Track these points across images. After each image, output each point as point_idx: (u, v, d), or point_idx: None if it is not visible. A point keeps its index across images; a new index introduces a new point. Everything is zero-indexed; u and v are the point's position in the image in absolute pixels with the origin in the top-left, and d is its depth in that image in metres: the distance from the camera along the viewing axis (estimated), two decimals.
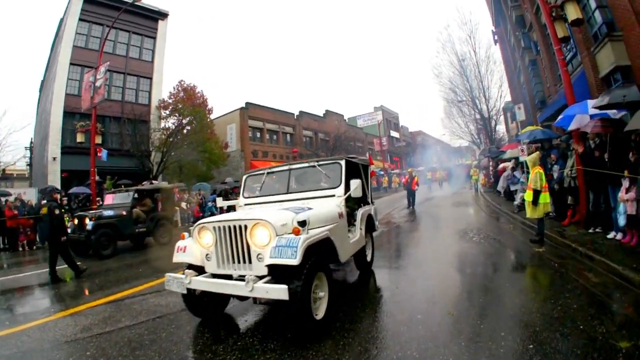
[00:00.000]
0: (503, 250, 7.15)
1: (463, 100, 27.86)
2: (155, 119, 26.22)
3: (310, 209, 4.37)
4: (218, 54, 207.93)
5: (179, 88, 29.25)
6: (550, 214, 8.65)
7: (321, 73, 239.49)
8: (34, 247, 14.17)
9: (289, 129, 38.55)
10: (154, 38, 29.21)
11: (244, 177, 6.19)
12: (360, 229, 5.54)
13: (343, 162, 5.21)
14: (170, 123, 26.77)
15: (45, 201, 9.42)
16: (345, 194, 4.93)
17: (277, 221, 3.70)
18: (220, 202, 6.71)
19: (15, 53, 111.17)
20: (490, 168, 19.69)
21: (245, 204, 5.66)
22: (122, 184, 20.93)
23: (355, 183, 4.71)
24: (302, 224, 3.64)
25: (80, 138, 18.64)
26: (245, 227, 3.74)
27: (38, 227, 14.31)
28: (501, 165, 15.28)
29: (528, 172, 10.79)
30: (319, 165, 5.34)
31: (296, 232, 3.55)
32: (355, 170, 5.88)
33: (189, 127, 27.12)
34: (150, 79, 28.46)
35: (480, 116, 25.91)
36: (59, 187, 19.29)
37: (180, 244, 4.26)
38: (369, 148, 53.30)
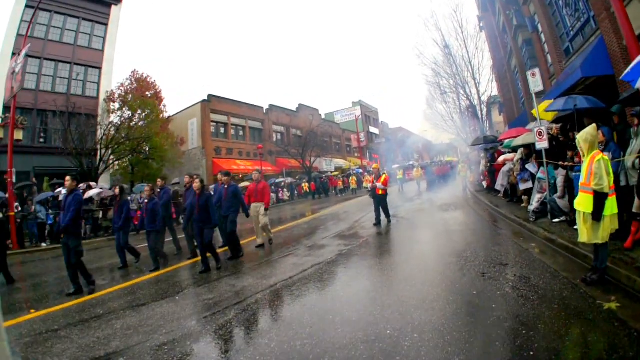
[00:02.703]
0: (541, 310, 3.62)
1: (447, 92, 24.94)
2: (104, 113, 23.15)
3: None
4: (181, 43, 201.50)
5: (132, 79, 25.79)
6: None
7: (295, 65, 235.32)
8: None
9: (256, 123, 35.15)
10: (106, 25, 26.62)
11: None
12: None
13: None
14: (118, 117, 23.33)
15: None
16: None
17: None
18: None
19: None
20: (483, 162, 16.66)
21: None
22: (56, 184, 18.49)
23: None
24: None
25: None
26: None
27: None
28: (501, 158, 12.12)
29: (542, 165, 7.98)
30: None
31: None
32: None
33: (142, 122, 23.78)
34: (100, 69, 25.79)
35: (469, 103, 22.74)
36: None
37: None
38: (347, 145, 50.29)
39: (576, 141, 4.42)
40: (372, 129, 57.90)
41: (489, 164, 14.69)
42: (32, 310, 5.35)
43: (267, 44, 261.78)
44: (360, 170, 38.41)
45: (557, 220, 7.26)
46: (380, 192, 10.50)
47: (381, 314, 3.81)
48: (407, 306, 3.94)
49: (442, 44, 22.33)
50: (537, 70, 8.28)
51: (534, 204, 8.10)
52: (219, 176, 8.51)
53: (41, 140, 22.24)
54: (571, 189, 6.83)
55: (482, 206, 12.52)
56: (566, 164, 6.90)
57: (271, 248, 8.69)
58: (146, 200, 8.19)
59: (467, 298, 4.03)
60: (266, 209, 8.93)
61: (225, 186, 8.33)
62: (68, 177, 6.43)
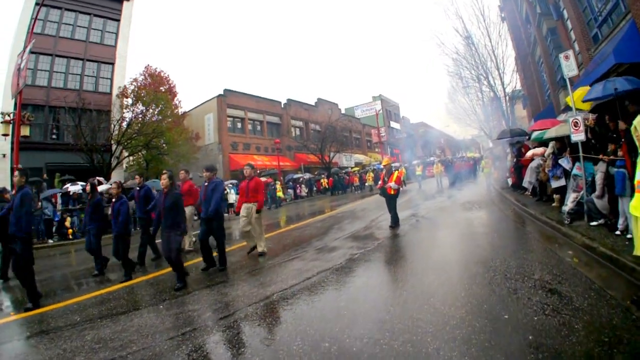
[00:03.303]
0: (588, 344, 2.82)
1: (469, 84, 23.73)
2: (117, 108, 23.14)
3: None
4: (197, 37, 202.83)
5: (145, 74, 25.70)
6: None
7: (314, 60, 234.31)
8: None
9: (274, 118, 34.65)
10: (118, 20, 26.72)
11: None
12: None
13: None
14: (131, 112, 23.22)
15: None
16: None
17: None
18: None
19: None
20: (509, 157, 15.66)
21: None
22: (66, 180, 18.80)
23: None
24: None
25: (4, 130, 14.94)
26: None
27: None
28: (529, 153, 11.13)
29: (578, 160, 7.12)
30: None
31: None
32: None
33: (155, 117, 23.67)
34: (113, 64, 25.88)
35: (493, 94, 21.50)
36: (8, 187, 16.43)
37: None
38: (367, 140, 49.38)
39: (632, 128, 3.62)
40: (393, 124, 56.85)
41: (515, 159, 13.71)
42: (12, 314, 5.13)
43: (286, 38, 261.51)
44: (381, 166, 37.48)
45: (594, 223, 6.38)
46: (392, 192, 9.22)
47: (389, 343, 3.08)
48: (423, 333, 3.20)
49: (463, 32, 21.09)
50: (570, 53, 7.39)
51: (568, 204, 7.21)
52: (204, 172, 7.17)
53: (53, 136, 22.35)
54: (611, 188, 5.97)
55: (509, 205, 11.60)
56: (607, 158, 6.03)
57: (262, 260, 7.34)
58: (113, 200, 7.30)
59: (497, 324, 3.26)
60: (258, 211, 7.53)
61: (206, 183, 6.97)
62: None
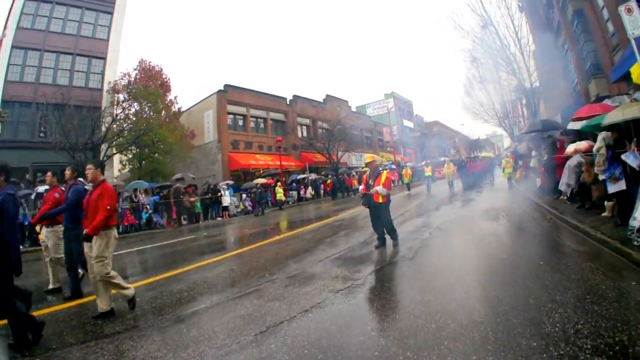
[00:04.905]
0: None
1: (484, 79, 21.42)
2: (107, 104, 21.71)
3: None
4: (198, 30, 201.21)
5: (139, 68, 24.24)
6: None
7: (324, 57, 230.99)
8: None
9: (279, 115, 32.80)
10: (111, 13, 25.35)
11: None
12: None
13: None
14: (120, 109, 21.71)
15: None
16: None
17: None
18: None
19: None
20: (537, 154, 13.41)
21: None
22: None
23: None
24: None
25: None
26: None
27: None
28: (571, 147, 8.78)
29: None
30: None
31: None
32: None
33: (145, 114, 22.19)
34: (105, 59, 24.44)
35: (517, 82, 18.96)
36: None
37: None
38: (379, 139, 47.25)
39: None
40: (406, 122, 54.52)
41: (546, 157, 11.47)
42: None
43: (294, 32, 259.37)
44: (393, 166, 35.22)
45: None
46: (380, 200, 6.93)
47: None
48: None
49: (480, 11, 18.62)
50: (633, 4, 5.29)
51: (638, 218, 5.09)
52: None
53: (41, 135, 20.94)
54: None
55: (542, 214, 9.40)
56: None
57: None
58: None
59: None
60: (87, 237, 4.45)
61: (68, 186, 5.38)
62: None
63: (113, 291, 4.64)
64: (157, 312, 4.58)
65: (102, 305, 4.43)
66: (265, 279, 5.72)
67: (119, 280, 4.57)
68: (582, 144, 8.20)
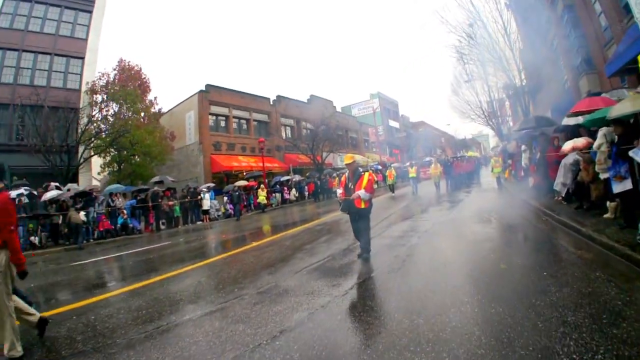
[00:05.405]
0: None
1: (472, 78, 21.01)
2: (85, 105, 20.84)
3: None
4: (179, 30, 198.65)
5: (118, 68, 23.36)
6: None
7: (308, 56, 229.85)
8: None
9: (262, 116, 32.01)
10: (90, 12, 24.43)
11: None
12: None
13: None
14: (97, 109, 20.91)
15: None
16: None
17: None
18: None
19: None
20: (527, 154, 12.90)
21: None
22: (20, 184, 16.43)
23: None
24: None
25: None
26: None
27: None
28: (568, 144, 8.18)
29: None
30: None
31: None
32: None
33: (123, 115, 21.38)
34: (83, 58, 23.55)
35: (507, 79, 18.51)
36: None
37: None
38: (365, 139, 46.75)
39: None
40: (392, 123, 54.15)
41: (539, 155, 10.94)
42: None
43: (278, 32, 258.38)
44: (379, 167, 34.68)
45: None
46: (362, 205, 6.16)
47: None
48: None
49: (467, 5, 18.13)
50: None
51: None
52: None
53: (19, 137, 19.92)
54: None
55: (538, 215, 8.83)
56: None
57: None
58: None
59: None
60: None
61: None
62: None
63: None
64: (109, 335, 3.84)
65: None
66: (234, 294, 5.02)
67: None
68: (580, 141, 7.65)
